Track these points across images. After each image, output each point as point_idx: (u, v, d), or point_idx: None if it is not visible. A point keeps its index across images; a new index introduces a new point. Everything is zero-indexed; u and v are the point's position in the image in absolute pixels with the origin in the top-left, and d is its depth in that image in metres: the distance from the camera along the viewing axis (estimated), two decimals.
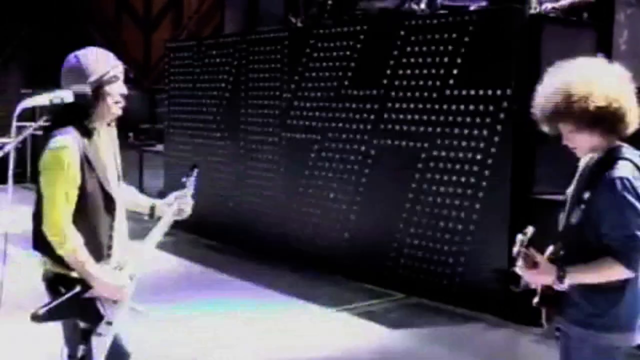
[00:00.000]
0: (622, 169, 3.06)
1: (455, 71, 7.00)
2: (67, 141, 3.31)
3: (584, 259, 3.08)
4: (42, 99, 3.25)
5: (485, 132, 6.74)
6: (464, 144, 6.92)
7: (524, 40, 6.64)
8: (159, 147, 12.02)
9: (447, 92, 7.06)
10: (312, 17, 9.32)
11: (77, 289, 3.35)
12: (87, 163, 3.38)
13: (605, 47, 7.56)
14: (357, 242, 8.03)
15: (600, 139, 3.15)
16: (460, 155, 6.95)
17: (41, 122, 3.40)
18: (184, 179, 3.99)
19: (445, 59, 7.08)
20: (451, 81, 7.03)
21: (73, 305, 3.35)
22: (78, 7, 17.30)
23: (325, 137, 8.36)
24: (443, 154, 7.10)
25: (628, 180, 3.03)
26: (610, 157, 3.13)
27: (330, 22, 8.72)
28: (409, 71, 7.42)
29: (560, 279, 3.09)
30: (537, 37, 6.71)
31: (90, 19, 17.35)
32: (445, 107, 7.08)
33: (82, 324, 3.38)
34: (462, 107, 6.92)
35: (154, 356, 5.14)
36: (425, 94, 7.26)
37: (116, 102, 3.51)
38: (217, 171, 9.80)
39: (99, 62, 3.46)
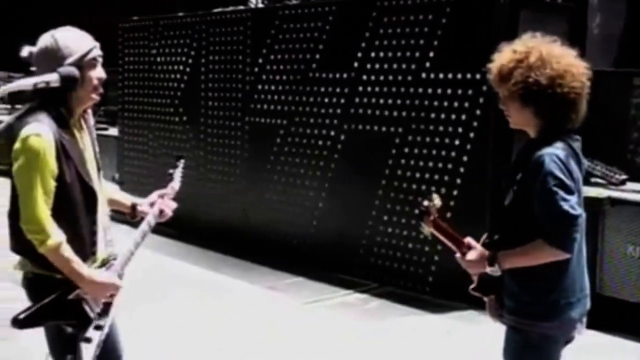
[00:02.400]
0: (552, 147, 2.97)
1: (431, 54, 6.79)
2: (41, 129, 2.99)
3: (519, 240, 2.99)
4: (25, 83, 2.91)
5: (463, 117, 6.54)
6: (440, 128, 6.72)
7: (502, 23, 6.45)
8: (112, 131, 11.58)
9: (423, 75, 6.84)
10: None
11: (62, 290, 3.03)
12: (63, 153, 3.07)
13: (579, 31, 7.45)
14: (326, 230, 7.78)
15: (532, 116, 3.06)
16: (437, 140, 6.75)
17: (23, 109, 3.06)
18: (170, 171, 3.78)
19: (421, 41, 6.86)
20: (427, 64, 6.82)
21: (57, 308, 3.03)
22: None
23: (291, 121, 8.08)
24: (418, 139, 6.89)
25: (556, 156, 2.93)
26: (543, 138, 3.04)
27: (296, 2, 8.41)
28: (381, 54, 7.18)
29: (492, 264, 3.00)
30: (515, 20, 6.53)
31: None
32: (420, 90, 6.87)
33: (68, 329, 3.05)
34: (439, 90, 6.72)
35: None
36: (400, 77, 7.03)
37: (95, 88, 3.20)
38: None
39: (78, 42, 3.15)
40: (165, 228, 9.07)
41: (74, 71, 3.00)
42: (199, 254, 8.49)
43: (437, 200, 3.13)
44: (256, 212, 8.53)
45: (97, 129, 11.16)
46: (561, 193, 2.88)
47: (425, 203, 3.12)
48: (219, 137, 9.00)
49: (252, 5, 9.22)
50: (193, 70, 9.36)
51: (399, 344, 5.81)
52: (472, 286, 3.21)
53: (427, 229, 3.15)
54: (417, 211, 3.18)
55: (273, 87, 8.30)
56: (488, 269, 3.03)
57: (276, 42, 8.27)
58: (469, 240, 3.13)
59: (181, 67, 9.54)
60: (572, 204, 2.89)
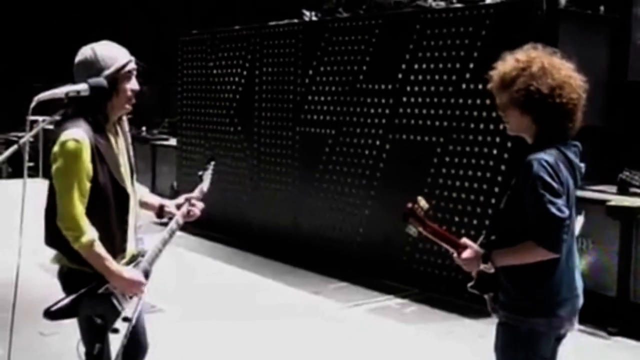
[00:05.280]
0: (544, 153, 3.08)
1: (471, 65, 6.94)
2: (78, 134, 3.27)
3: (512, 241, 3.11)
4: (58, 92, 3.19)
5: (501, 127, 6.66)
6: (480, 138, 6.87)
7: (542, 34, 6.55)
8: (172, 141, 11.99)
9: (464, 86, 7.00)
10: (327, 11, 9.25)
11: (93, 284, 3.32)
12: (98, 156, 3.33)
13: (622, 42, 7.49)
14: (371, 237, 7.98)
15: (529, 124, 3.18)
16: (476, 149, 6.90)
17: (56, 117, 3.34)
18: (200, 172, 4.00)
19: (462, 53, 7.02)
20: (467, 75, 6.97)
21: (89, 300, 3.31)
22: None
23: (339, 131, 8.31)
24: (459, 148, 7.05)
25: (545, 160, 3.04)
26: (538, 145, 3.16)
27: (345, 16, 8.66)
28: (424, 65, 7.37)
29: (486, 261, 3.14)
30: (554, 31, 6.65)
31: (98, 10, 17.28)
32: (461, 101, 7.02)
33: (98, 321, 3.33)
34: (478, 101, 6.86)
35: (169, 349, 5.12)
36: (441, 88, 7.20)
37: (128, 98, 3.47)
38: (231, 166, 9.78)
39: (115, 56, 3.41)
40: (218, 234, 9.49)
41: (102, 82, 3.27)
42: (250, 259, 8.76)
43: (422, 202, 3.29)
44: (306, 218, 8.78)
45: (159, 139, 11.59)
46: (548, 196, 3.01)
47: (409, 205, 3.28)
48: (271, 146, 9.29)
49: (307, 19, 9.49)
50: (247, 81, 9.68)
51: (428, 346, 5.99)
52: (470, 284, 3.36)
53: (413, 230, 3.31)
54: (403, 214, 3.29)
55: (322, 98, 8.55)
56: (482, 266, 3.18)
57: (326, 54, 8.52)
58: (465, 240, 3.28)
59: (236, 79, 9.87)
60: (559, 207, 3.02)
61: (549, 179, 3.03)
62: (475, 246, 3.25)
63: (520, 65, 3.18)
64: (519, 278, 3.16)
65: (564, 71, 3.18)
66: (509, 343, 3.25)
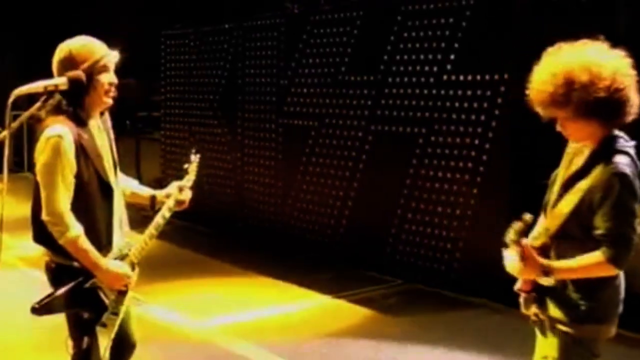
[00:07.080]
0: (622, 165, 2.99)
1: (452, 56, 6.97)
2: (61, 129, 3.28)
3: (571, 248, 3.06)
4: (36, 86, 3.20)
5: (482, 117, 6.71)
6: (461, 129, 6.90)
7: (523, 24, 6.60)
8: (157, 135, 11.97)
9: (445, 77, 7.03)
10: (308, 3, 9.27)
11: (80, 279, 3.33)
12: (82, 151, 3.35)
13: (606, 29, 7.51)
14: (354, 228, 8.02)
15: (596, 127, 3.06)
16: (458, 140, 6.93)
17: (33, 110, 3.34)
18: (185, 166, 3.99)
19: (443, 44, 7.05)
20: (448, 66, 7.00)
21: (76, 295, 3.32)
22: None
23: (322, 123, 8.34)
24: (440, 139, 7.08)
25: (627, 176, 2.97)
26: (607, 149, 3.05)
27: (326, 8, 8.67)
28: (406, 56, 7.40)
29: (546, 275, 3.04)
30: (538, 20, 6.65)
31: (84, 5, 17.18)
32: (442, 92, 7.06)
33: (85, 315, 3.35)
34: (459, 92, 6.90)
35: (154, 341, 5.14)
36: (423, 79, 7.23)
37: (106, 92, 3.47)
38: (214, 159, 9.78)
39: (90, 50, 3.42)
40: (202, 227, 9.49)
41: (80, 74, 3.28)
42: (234, 251, 8.78)
43: (527, 218, 3.07)
44: (289, 210, 8.80)
45: (143, 132, 11.52)
46: (626, 215, 2.97)
47: (523, 242, 3.06)
48: (255, 139, 9.30)
49: (289, 10, 9.50)
50: (230, 74, 9.69)
51: (411, 337, 6.00)
52: (517, 286, 3.24)
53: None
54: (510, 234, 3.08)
55: (305, 90, 8.57)
56: (543, 280, 3.07)
57: (308, 47, 8.54)
58: (525, 243, 3.08)
59: (219, 72, 9.87)
60: (635, 227, 2.99)
61: (629, 198, 2.98)
62: (534, 254, 3.08)
63: (563, 80, 3.03)
64: (574, 287, 3.10)
65: (609, 62, 3.05)
66: (562, 352, 3.16)
